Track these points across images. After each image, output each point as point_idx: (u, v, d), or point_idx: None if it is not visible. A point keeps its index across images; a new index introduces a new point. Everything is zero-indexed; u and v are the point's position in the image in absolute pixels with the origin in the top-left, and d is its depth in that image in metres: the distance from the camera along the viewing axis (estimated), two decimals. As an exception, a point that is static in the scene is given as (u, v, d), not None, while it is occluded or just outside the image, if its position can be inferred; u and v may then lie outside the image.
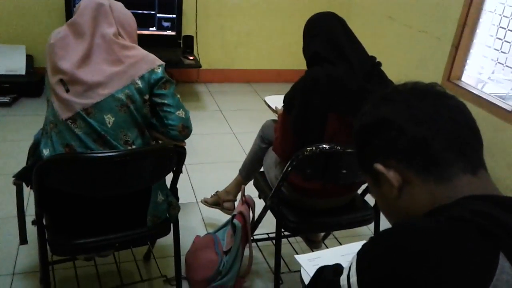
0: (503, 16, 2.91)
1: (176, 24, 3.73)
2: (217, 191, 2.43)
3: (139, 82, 1.57)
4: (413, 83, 0.85)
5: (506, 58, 2.88)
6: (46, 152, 1.55)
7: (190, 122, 1.70)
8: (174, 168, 1.68)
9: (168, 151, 1.55)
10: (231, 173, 2.39)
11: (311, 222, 1.86)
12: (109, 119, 1.53)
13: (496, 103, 2.84)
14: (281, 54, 4.55)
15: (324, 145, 1.60)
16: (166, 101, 1.64)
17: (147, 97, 1.60)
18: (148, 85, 1.60)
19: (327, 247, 2.22)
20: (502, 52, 2.92)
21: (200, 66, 3.88)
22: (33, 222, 1.56)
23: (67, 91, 1.51)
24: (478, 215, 0.67)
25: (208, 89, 4.32)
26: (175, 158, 1.60)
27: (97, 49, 1.54)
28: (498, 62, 2.94)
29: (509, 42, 2.87)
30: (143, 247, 2.11)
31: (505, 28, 2.90)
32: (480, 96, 2.96)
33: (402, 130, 0.78)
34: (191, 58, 3.81)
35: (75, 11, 1.61)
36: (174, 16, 3.70)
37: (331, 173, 1.71)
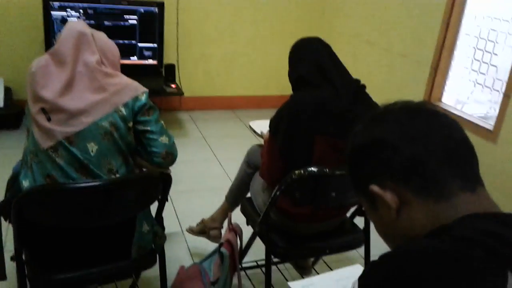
0: (480, 38, 2.98)
1: (158, 53, 3.73)
2: (202, 219, 2.38)
3: (122, 109, 1.54)
4: (403, 102, 0.83)
5: (485, 79, 2.95)
6: (26, 183, 1.50)
7: (174, 148, 1.67)
8: (159, 197, 1.64)
9: (153, 179, 1.51)
10: (217, 200, 2.35)
11: (301, 247, 1.82)
12: (92, 148, 1.49)
13: (478, 123, 2.89)
14: (263, 80, 4.58)
15: (312, 168, 1.58)
16: (149, 128, 1.61)
17: (131, 124, 1.57)
18: (132, 112, 1.57)
19: (317, 273, 2.17)
20: (480, 73, 2.98)
21: (182, 94, 3.87)
22: (12, 258, 1.49)
23: (49, 119, 1.47)
24: (483, 234, 0.65)
25: (190, 116, 4.30)
26: (161, 186, 1.56)
27: (79, 77, 1.52)
28: (477, 83, 3.00)
29: (486, 63, 2.94)
30: (127, 280, 2.03)
31: (482, 50, 2.97)
32: (462, 117, 3.00)
33: (396, 150, 0.76)
34: (173, 86, 3.80)
35: (56, 40, 1.58)
36: (155, 45, 3.70)
37: (320, 197, 1.68)
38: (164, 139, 1.64)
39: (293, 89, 1.82)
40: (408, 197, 0.75)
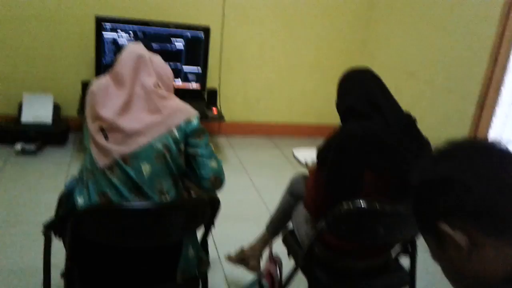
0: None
1: (201, 78, 3.80)
2: (242, 248, 2.35)
3: (175, 132, 1.57)
4: (471, 139, 0.84)
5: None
6: (80, 200, 1.53)
7: (223, 173, 1.68)
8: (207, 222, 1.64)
9: (203, 203, 1.52)
10: (253, 228, 2.34)
11: (345, 284, 1.78)
12: (146, 168, 1.52)
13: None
14: (301, 108, 4.59)
15: (361, 203, 1.55)
16: (199, 151, 1.63)
17: (182, 147, 1.60)
18: (183, 135, 1.60)
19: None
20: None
21: (224, 120, 3.91)
22: (63, 275, 1.51)
23: (106, 138, 1.51)
24: None
25: (229, 142, 4.33)
26: (209, 211, 1.56)
27: (136, 98, 1.56)
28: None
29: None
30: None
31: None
32: None
33: (468, 189, 0.74)
34: (214, 111, 3.85)
35: (116, 62, 1.64)
36: (199, 69, 3.77)
37: (367, 232, 1.65)
38: (213, 164, 1.65)
39: (341, 120, 1.80)
40: (479, 238, 0.73)
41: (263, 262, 2.19)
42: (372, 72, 1.84)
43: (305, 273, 1.81)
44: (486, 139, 0.83)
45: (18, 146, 3.47)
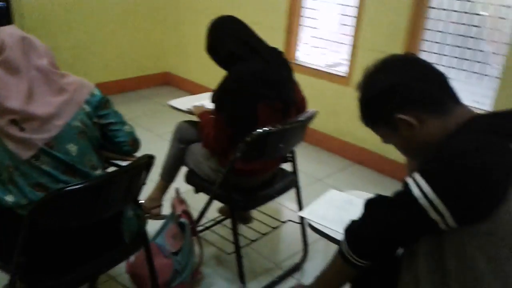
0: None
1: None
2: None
3: (85, 106, 1.59)
4: (396, 55, 1.20)
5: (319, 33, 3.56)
6: (10, 198, 1.47)
7: (137, 135, 1.77)
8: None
9: (142, 166, 1.59)
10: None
11: (257, 197, 2.11)
12: (72, 148, 1.53)
13: (333, 72, 3.51)
14: (115, 65, 4.57)
15: (268, 128, 1.84)
16: (112, 120, 1.69)
17: (95, 119, 1.63)
18: (93, 108, 1.62)
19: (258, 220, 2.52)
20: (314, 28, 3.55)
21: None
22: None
23: (22, 129, 1.45)
24: (492, 125, 1.05)
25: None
26: (146, 171, 1.65)
27: (36, 82, 1.51)
28: (319, 38, 3.62)
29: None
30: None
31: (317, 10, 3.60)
32: (319, 70, 3.59)
33: (412, 88, 1.12)
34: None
35: (-1, 48, 1.52)
36: None
37: (270, 150, 1.98)
38: (127, 128, 1.73)
39: (222, 65, 2.04)
40: (424, 117, 1.12)
41: (168, 207, 2.33)
42: (235, 17, 2.09)
43: (222, 199, 2.08)
44: (405, 53, 1.19)
45: None
